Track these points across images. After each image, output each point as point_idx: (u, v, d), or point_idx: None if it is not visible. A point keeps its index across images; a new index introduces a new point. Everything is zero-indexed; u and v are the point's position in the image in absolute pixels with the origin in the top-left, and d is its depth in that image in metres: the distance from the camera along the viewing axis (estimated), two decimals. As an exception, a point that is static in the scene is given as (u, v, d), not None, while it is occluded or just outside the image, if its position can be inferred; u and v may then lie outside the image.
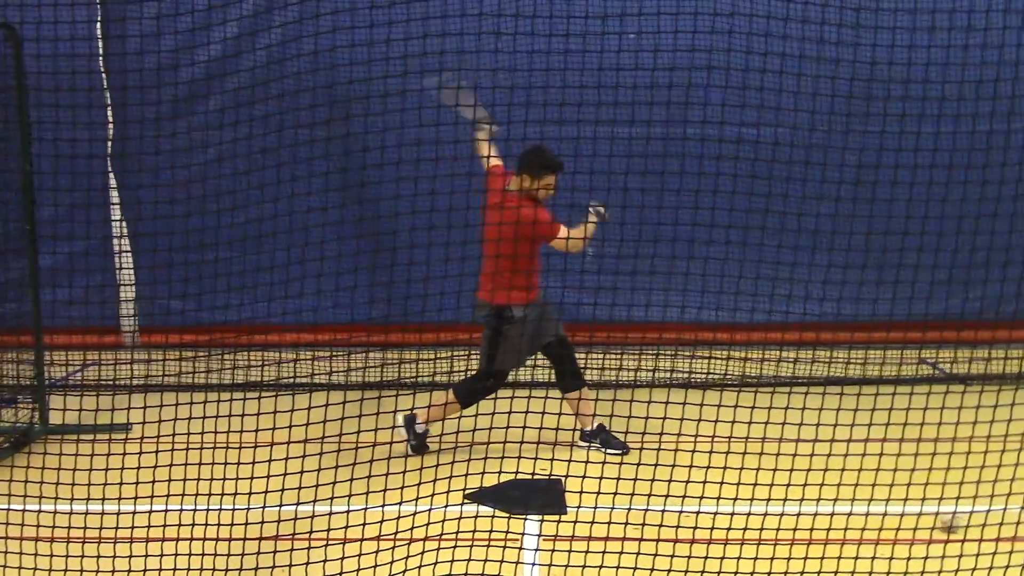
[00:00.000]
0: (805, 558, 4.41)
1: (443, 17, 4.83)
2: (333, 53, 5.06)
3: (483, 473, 4.87)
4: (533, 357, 6.38)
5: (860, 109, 5.65)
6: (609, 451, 6.17)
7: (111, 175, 8.32)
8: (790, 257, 5.72)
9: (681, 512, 4.49)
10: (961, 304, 6.94)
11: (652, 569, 4.37)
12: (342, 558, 4.41)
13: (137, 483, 4.53)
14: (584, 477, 4.57)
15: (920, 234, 5.38)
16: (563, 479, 5.49)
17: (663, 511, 4.50)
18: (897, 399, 4.62)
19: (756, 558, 4.40)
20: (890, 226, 5.75)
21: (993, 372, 7.20)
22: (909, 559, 4.36)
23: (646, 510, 4.55)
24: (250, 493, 4.53)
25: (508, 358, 6.14)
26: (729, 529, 4.51)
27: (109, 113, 7.70)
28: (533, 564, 4.72)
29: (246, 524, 4.65)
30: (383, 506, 4.52)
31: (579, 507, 4.78)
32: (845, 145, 5.93)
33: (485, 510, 5.11)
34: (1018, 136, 6.50)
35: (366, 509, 4.54)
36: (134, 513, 4.51)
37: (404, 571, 4.47)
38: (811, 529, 4.53)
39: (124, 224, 8.53)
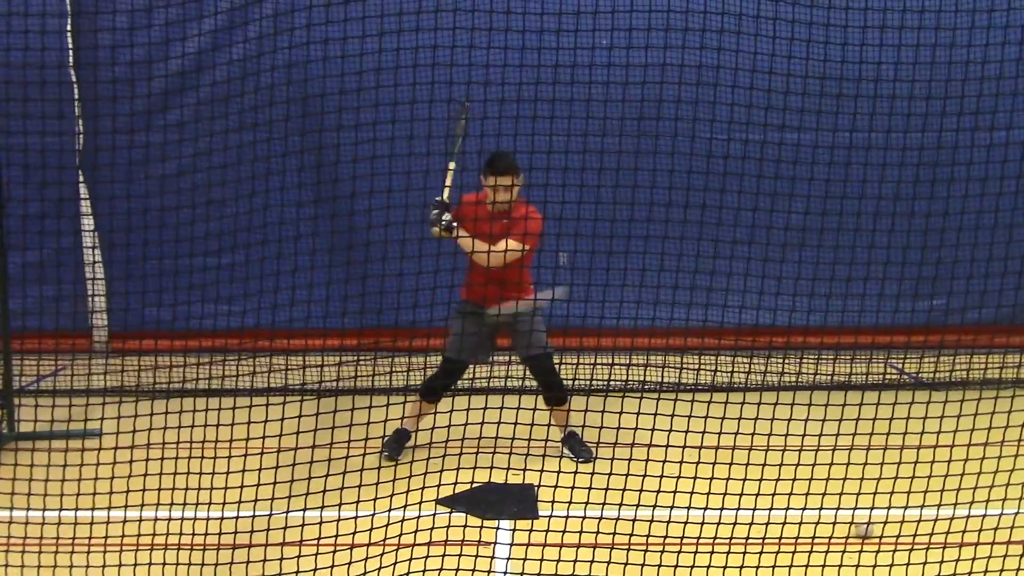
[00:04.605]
0: (774, 565, 4.49)
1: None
2: (307, 65, 5.06)
3: (455, 482, 4.90)
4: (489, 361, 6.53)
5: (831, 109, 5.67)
6: (579, 459, 6.26)
7: (80, 181, 8.28)
8: (758, 268, 5.76)
9: (652, 520, 4.53)
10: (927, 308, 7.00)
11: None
12: (315, 568, 4.43)
13: (111, 492, 4.54)
14: (556, 487, 4.62)
15: (886, 247, 5.42)
16: (535, 485, 5.55)
17: (634, 519, 4.54)
18: (864, 404, 4.70)
19: (726, 566, 4.48)
20: (858, 235, 5.81)
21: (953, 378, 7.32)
22: (892, 566, 4.44)
23: (617, 518, 4.60)
24: (224, 502, 4.55)
25: (452, 342, 6.25)
26: (700, 536, 4.57)
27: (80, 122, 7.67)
28: (505, 573, 4.76)
29: (220, 532, 4.66)
30: (356, 513, 4.54)
31: (551, 515, 4.84)
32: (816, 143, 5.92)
33: (457, 515, 5.14)
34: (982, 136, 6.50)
35: (339, 515, 4.56)
36: (108, 521, 4.52)
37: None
38: (779, 536, 4.60)
39: (95, 228, 8.49)
